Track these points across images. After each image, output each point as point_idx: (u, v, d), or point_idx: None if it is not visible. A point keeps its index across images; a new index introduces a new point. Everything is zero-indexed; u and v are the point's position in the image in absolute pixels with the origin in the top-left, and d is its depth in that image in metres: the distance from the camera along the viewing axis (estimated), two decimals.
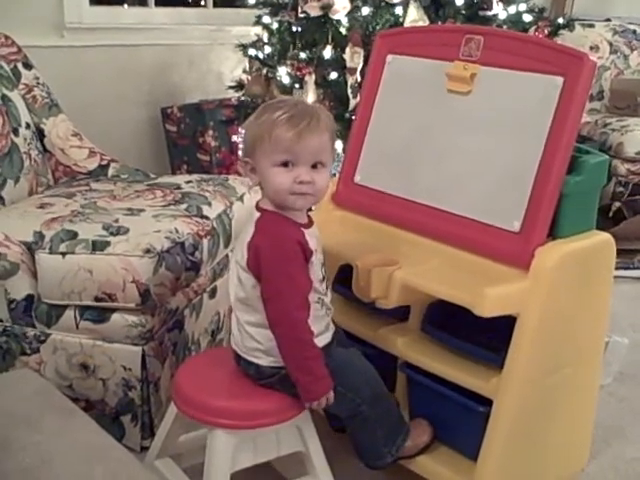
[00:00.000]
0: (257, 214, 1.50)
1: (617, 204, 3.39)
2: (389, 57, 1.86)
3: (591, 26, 4.38)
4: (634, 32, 4.45)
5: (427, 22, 2.62)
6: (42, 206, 2.07)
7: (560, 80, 1.51)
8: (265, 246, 1.45)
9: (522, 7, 2.79)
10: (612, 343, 2.26)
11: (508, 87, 1.61)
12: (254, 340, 1.52)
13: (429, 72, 1.76)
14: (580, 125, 1.56)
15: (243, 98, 3.10)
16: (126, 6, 3.67)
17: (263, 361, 1.52)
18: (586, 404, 1.79)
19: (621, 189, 3.47)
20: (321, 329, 1.54)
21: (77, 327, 1.81)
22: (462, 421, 1.63)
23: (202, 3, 3.87)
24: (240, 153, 1.54)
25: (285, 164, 1.43)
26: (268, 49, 2.98)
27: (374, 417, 1.59)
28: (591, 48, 4.28)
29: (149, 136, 3.51)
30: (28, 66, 2.49)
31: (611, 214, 3.47)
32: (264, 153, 1.44)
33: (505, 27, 2.74)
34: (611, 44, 4.35)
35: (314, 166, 1.44)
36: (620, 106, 3.89)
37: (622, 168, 3.59)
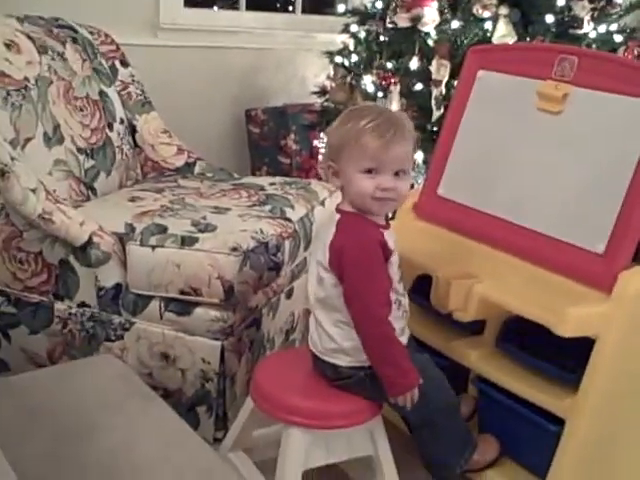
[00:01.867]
0: (338, 216, 1.55)
1: None
2: (480, 72, 1.89)
3: None
4: None
5: (515, 38, 2.63)
6: (133, 199, 2.16)
7: None
8: (348, 246, 1.49)
9: (613, 27, 2.77)
10: None
11: (601, 109, 1.61)
12: (333, 340, 1.55)
13: (520, 89, 1.78)
14: None
15: (326, 104, 3.15)
16: (216, 8, 3.77)
17: (341, 361, 1.56)
18: None
19: None
20: (397, 332, 1.56)
21: (161, 318, 1.88)
22: (532, 439, 1.63)
23: (290, 9, 3.93)
24: (322, 157, 1.59)
25: (369, 171, 1.47)
26: (354, 57, 3.02)
27: (444, 427, 1.61)
28: None
29: (232, 136, 3.59)
30: (125, 64, 2.59)
31: None
32: (350, 159, 1.48)
33: (595, 46, 2.72)
34: None
35: (396, 173, 1.48)
36: None
37: None
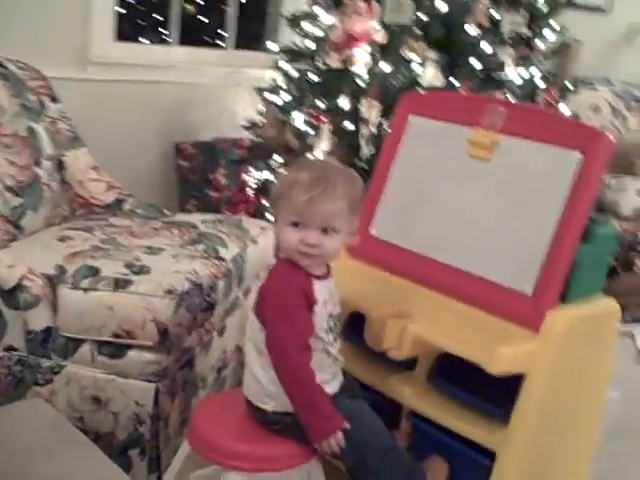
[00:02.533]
0: (273, 262, 1.58)
1: (612, 261, 3.46)
2: (411, 117, 1.94)
3: (593, 88, 4.51)
4: (633, 95, 4.59)
5: (443, 81, 2.71)
6: (62, 239, 2.13)
7: (579, 155, 1.58)
8: (270, 291, 1.52)
9: (535, 72, 2.89)
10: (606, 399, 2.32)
11: (528, 157, 1.68)
12: (259, 383, 1.57)
13: (450, 136, 1.84)
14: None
15: (256, 140, 3.18)
16: (148, 42, 3.77)
17: (268, 406, 1.57)
18: (584, 460, 1.84)
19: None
20: (327, 378, 1.58)
21: (93, 361, 1.85)
22: (466, 472, 1.67)
23: (221, 44, 3.95)
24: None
25: (296, 224, 1.49)
26: (285, 94, 3.06)
27: (383, 470, 1.61)
28: (592, 109, 4.41)
29: (161, 170, 3.58)
30: (54, 99, 2.56)
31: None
32: (281, 209, 1.52)
33: (517, 90, 2.83)
34: (612, 105, 4.48)
35: (324, 230, 1.50)
36: (617, 165, 3.99)
37: (617, 226, 3.68)
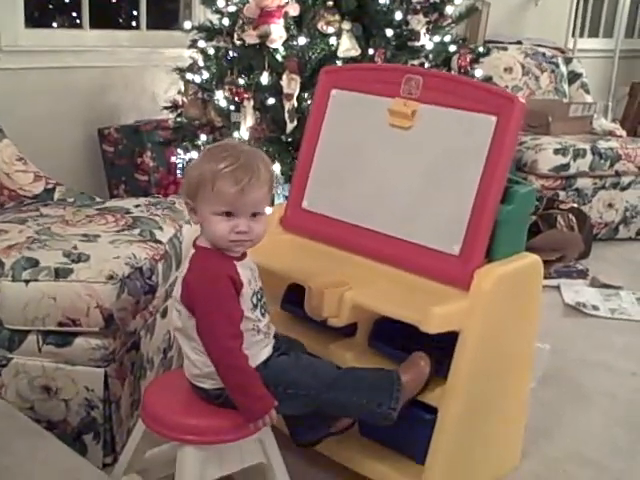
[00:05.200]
0: (192, 251, 1.61)
1: (533, 218, 3.61)
2: (333, 91, 2.00)
3: (504, 49, 4.64)
4: (544, 54, 4.74)
5: (359, 51, 2.77)
6: None
7: (494, 119, 1.68)
8: (197, 281, 1.56)
9: (447, 38, 2.98)
10: (535, 350, 2.45)
11: (446, 124, 1.77)
12: (195, 367, 1.63)
13: (372, 107, 1.91)
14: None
15: (180, 120, 3.18)
16: (55, 25, 3.71)
17: (207, 385, 1.63)
18: (519, 408, 1.97)
19: (536, 203, 3.70)
20: (259, 349, 1.65)
21: (40, 351, 1.87)
22: (411, 429, 1.77)
23: (134, 25, 3.92)
24: (181, 190, 1.62)
25: (225, 213, 1.53)
26: (205, 73, 3.07)
27: (343, 398, 1.67)
28: (505, 70, 4.55)
29: (86, 156, 3.55)
30: None
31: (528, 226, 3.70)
32: (206, 200, 1.54)
33: (431, 56, 2.91)
34: (523, 66, 4.63)
35: (253, 215, 1.56)
36: (533, 125, 4.15)
37: (536, 184, 3.84)
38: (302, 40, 2.78)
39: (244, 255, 1.63)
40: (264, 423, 1.59)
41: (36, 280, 1.83)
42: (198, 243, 1.62)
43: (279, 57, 2.82)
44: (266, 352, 1.67)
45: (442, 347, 1.72)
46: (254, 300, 1.62)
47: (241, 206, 1.53)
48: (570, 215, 3.71)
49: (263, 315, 1.66)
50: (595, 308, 3.22)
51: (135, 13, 3.87)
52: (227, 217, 1.53)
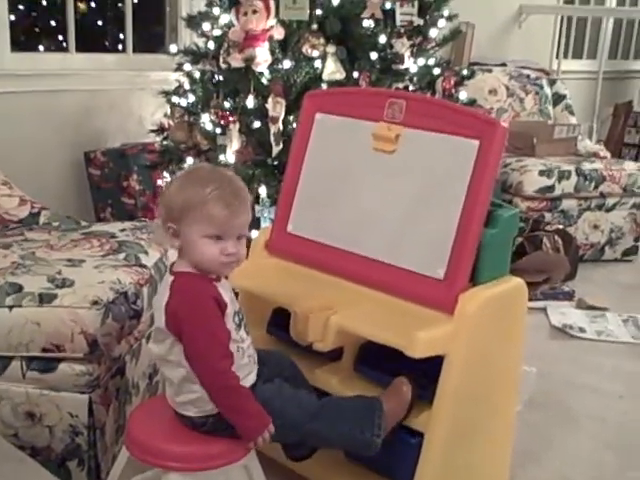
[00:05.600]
0: (171, 278, 1.60)
1: (519, 239, 3.63)
2: (318, 115, 2.01)
3: (489, 71, 4.69)
4: (528, 76, 4.79)
5: (344, 74, 2.79)
6: None
7: (476, 143, 1.69)
8: (183, 307, 1.55)
9: (431, 61, 3.00)
10: (522, 373, 2.46)
11: (429, 148, 1.78)
12: (180, 394, 1.62)
13: (356, 131, 1.92)
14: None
15: (166, 143, 3.19)
16: (45, 51, 3.72)
17: (191, 412, 1.62)
18: (505, 431, 1.97)
19: (522, 225, 3.72)
20: (246, 374, 1.64)
21: (24, 377, 1.85)
22: (397, 452, 1.76)
23: (119, 47, 3.93)
24: (158, 216, 1.61)
25: (214, 237, 1.55)
26: (191, 96, 3.08)
27: (327, 429, 1.68)
28: (490, 92, 4.59)
29: (72, 180, 3.55)
30: None
31: (513, 249, 3.72)
32: (194, 224, 1.54)
33: (415, 79, 2.94)
34: (508, 88, 4.67)
35: (239, 237, 1.58)
36: (518, 146, 4.18)
37: (522, 205, 3.87)
38: (287, 63, 2.80)
39: (221, 277, 1.63)
40: (263, 440, 1.59)
41: (20, 306, 1.82)
42: (176, 269, 1.61)
43: (264, 80, 2.83)
44: (251, 379, 1.67)
45: (427, 371, 1.72)
46: (236, 320, 1.62)
47: (230, 229, 1.55)
48: (556, 237, 3.73)
49: (247, 334, 1.66)
50: (582, 330, 3.23)
51: (121, 36, 3.89)
52: (216, 240, 1.55)
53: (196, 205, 1.53)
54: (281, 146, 2.80)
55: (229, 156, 2.83)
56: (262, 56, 2.80)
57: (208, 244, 1.55)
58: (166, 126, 3.22)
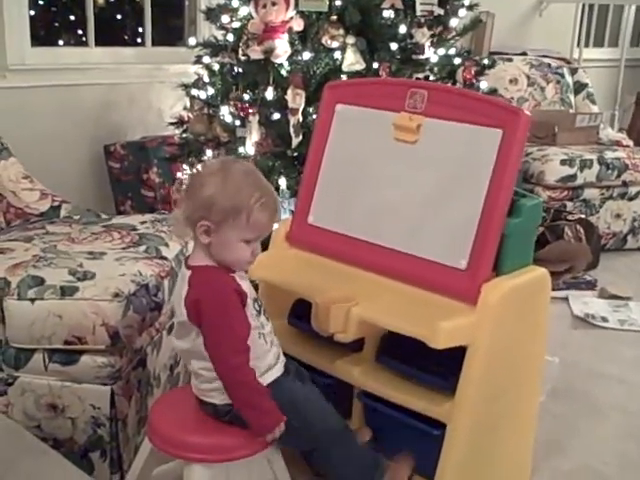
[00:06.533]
0: (188, 272, 1.60)
1: (540, 229, 3.59)
2: (338, 106, 2.00)
3: (509, 60, 4.65)
4: (549, 65, 4.74)
5: (364, 65, 2.77)
6: (2, 251, 2.11)
7: (499, 132, 1.67)
8: (205, 300, 1.55)
9: (451, 50, 2.98)
10: (544, 363, 2.44)
11: (452, 137, 1.76)
12: (207, 382, 1.62)
13: (377, 121, 1.91)
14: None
15: (185, 135, 3.19)
16: (64, 46, 3.73)
17: (217, 400, 1.62)
18: (528, 422, 1.95)
19: (543, 214, 3.68)
20: (270, 363, 1.65)
21: (46, 369, 1.87)
22: (419, 444, 1.75)
23: (138, 41, 3.94)
24: (191, 208, 1.53)
25: (248, 240, 1.58)
26: (210, 89, 3.07)
27: (335, 455, 1.70)
28: (510, 81, 4.55)
29: (92, 173, 3.56)
30: None
31: (535, 238, 3.69)
32: (236, 228, 1.55)
33: (436, 69, 2.91)
34: (528, 77, 4.62)
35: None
36: (540, 135, 4.14)
37: (544, 195, 3.83)
38: (307, 55, 2.78)
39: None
40: (274, 437, 1.59)
41: (42, 299, 1.83)
42: (195, 262, 1.61)
43: (284, 72, 2.82)
44: (279, 368, 1.67)
45: (450, 361, 1.70)
46: (256, 307, 1.64)
47: (265, 233, 1.62)
48: (578, 226, 3.70)
49: (267, 319, 1.67)
50: (604, 320, 3.20)
51: (140, 30, 3.89)
52: (249, 243, 1.58)
53: (243, 211, 1.54)
54: (301, 137, 2.78)
55: (249, 148, 2.82)
56: (281, 48, 2.78)
57: (243, 248, 1.58)
58: (185, 119, 3.21)
